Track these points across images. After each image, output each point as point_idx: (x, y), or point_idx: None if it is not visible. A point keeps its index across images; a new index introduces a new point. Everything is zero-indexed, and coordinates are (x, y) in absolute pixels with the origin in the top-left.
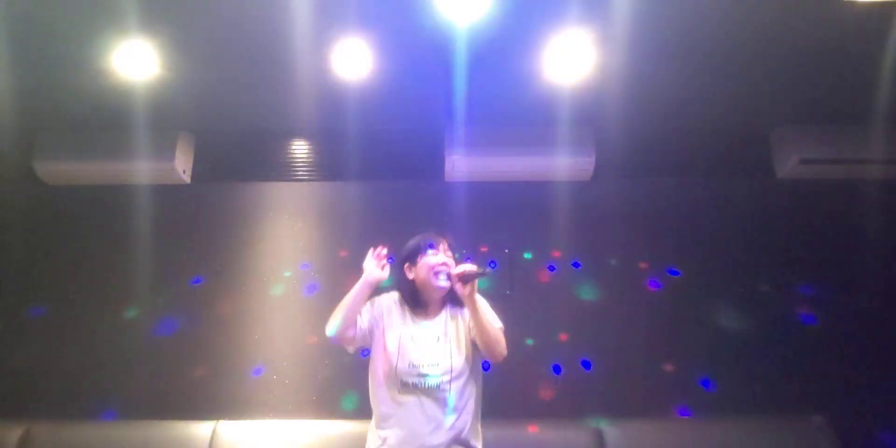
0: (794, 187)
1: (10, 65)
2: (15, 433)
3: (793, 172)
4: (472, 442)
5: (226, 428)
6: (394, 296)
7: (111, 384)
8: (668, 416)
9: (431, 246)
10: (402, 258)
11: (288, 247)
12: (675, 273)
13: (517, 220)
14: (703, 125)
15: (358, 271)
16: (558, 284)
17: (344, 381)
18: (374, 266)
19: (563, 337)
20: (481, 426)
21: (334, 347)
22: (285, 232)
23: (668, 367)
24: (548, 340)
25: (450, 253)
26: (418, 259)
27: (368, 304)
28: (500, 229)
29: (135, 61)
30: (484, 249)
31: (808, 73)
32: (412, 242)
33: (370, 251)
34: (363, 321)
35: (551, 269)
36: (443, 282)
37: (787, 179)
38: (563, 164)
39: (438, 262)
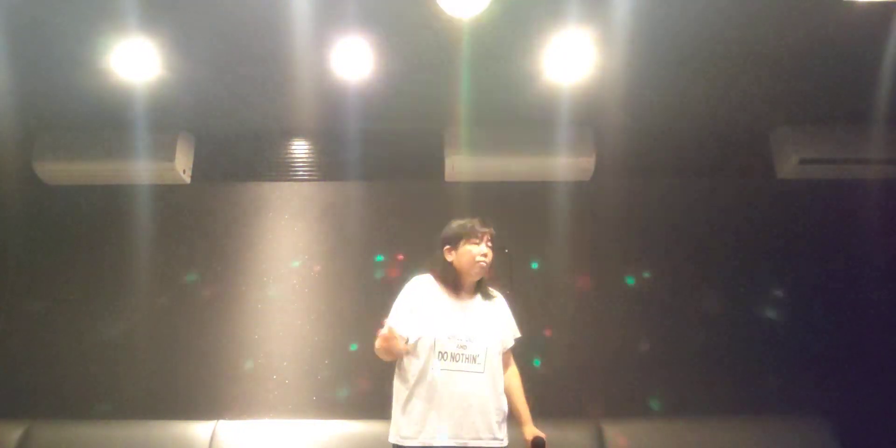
0: (794, 187)
1: (10, 65)
2: (15, 433)
3: (793, 172)
4: (503, 425)
5: (226, 428)
6: (426, 278)
7: (111, 384)
8: (668, 416)
9: (477, 236)
10: (444, 240)
11: (288, 247)
12: (674, 273)
13: (517, 220)
14: (703, 125)
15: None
16: (559, 284)
17: (344, 381)
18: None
19: (564, 337)
20: None
21: (334, 347)
22: (285, 232)
23: (669, 367)
24: (548, 340)
25: (490, 245)
26: (460, 244)
27: (409, 301)
28: (500, 229)
29: (135, 61)
30: None
31: (808, 73)
32: (457, 226)
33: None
34: (411, 323)
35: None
36: (482, 271)
37: (787, 179)
38: (563, 164)
39: (481, 253)
